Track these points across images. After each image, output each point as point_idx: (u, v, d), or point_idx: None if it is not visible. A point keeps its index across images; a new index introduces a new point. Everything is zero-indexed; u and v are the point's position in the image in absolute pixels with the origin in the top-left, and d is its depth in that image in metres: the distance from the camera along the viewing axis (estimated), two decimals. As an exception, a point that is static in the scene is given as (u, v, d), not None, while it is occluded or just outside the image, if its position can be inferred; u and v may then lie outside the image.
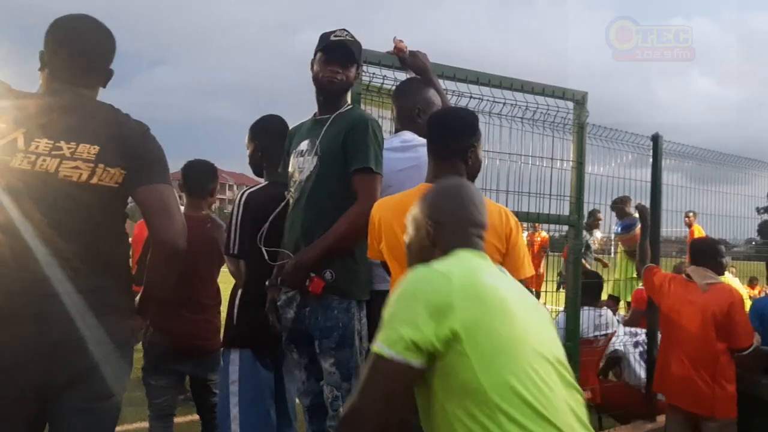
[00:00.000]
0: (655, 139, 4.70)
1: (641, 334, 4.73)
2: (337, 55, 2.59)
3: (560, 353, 1.66)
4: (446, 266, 1.62)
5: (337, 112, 2.64)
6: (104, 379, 1.95)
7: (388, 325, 1.54)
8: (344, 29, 2.64)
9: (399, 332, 1.50)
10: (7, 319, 1.87)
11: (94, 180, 1.93)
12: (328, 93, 2.63)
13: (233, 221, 2.89)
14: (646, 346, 4.62)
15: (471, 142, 2.31)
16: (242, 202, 2.89)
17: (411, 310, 1.52)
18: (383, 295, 2.56)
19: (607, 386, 4.59)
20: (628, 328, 4.87)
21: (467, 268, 1.62)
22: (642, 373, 4.60)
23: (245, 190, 2.99)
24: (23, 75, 2.26)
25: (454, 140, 2.30)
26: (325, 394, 2.54)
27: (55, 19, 2.05)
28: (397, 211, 2.22)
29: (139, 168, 1.98)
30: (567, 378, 1.63)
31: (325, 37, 2.61)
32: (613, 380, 4.93)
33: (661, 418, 4.32)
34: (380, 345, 1.52)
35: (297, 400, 2.98)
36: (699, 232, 6.42)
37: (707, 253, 3.84)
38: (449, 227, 1.79)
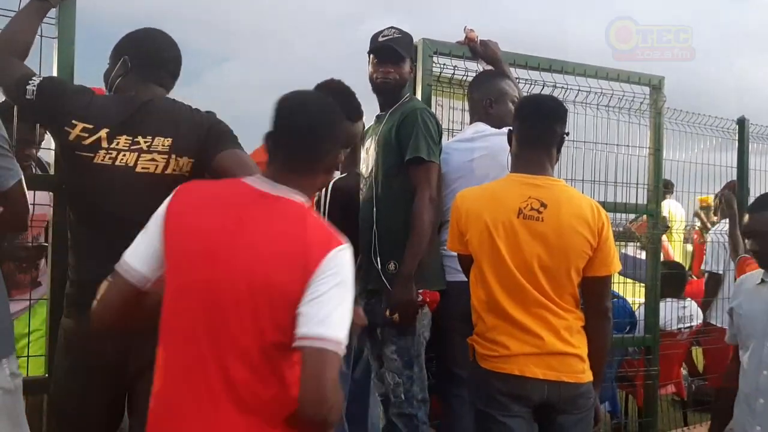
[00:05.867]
0: (741, 122, 4.49)
1: None
2: (387, 54, 2.65)
3: None
4: None
5: (394, 107, 2.68)
6: None
7: None
8: (392, 27, 2.71)
9: None
10: (87, 308, 1.98)
11: (169, 170, 2.03)
12: (385, 93, 2.72)
13: (322, 209, 2.95)
14: None
15: (564, 129, 2.26)
16: (329, 191, 2.94)
17: None
18: (455, 286, 2.59)
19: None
20: None
21: None
22: None
23: (334, 180, 3.02)
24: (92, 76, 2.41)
25: (552, 127, 2.24)
26: (387, 380, 2.58)
27: (126, 34, 2.19)
28: (486, 200, 2.20)
29: (208, 147, 2.04)
30: None
31: (374, 39, 2.70)
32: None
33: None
34: None
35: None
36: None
37: None
38: None
